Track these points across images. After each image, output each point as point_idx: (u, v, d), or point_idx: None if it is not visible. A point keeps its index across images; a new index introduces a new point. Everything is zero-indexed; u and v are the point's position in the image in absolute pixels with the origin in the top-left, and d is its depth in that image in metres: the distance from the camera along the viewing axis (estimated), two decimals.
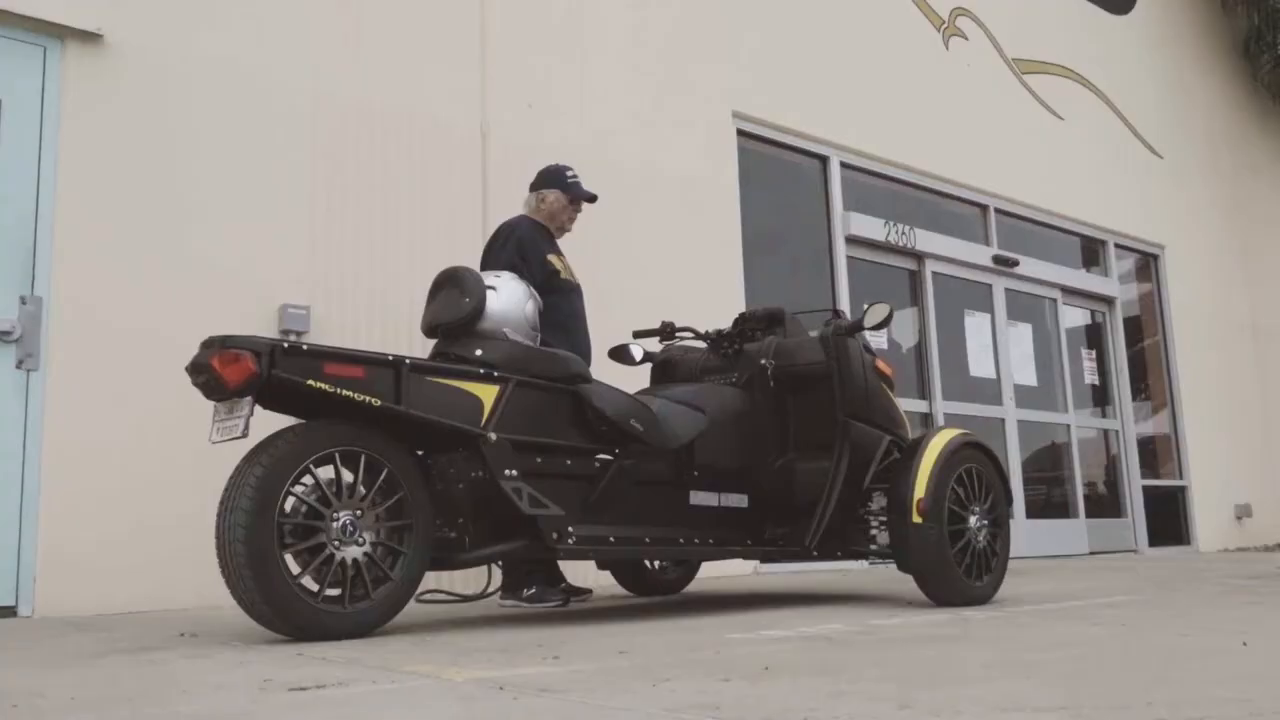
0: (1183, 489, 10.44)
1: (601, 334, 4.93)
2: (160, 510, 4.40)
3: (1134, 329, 10.56)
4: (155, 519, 4.39)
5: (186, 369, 3.11)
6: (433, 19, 5.64)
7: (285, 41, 5.08)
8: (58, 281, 4.34)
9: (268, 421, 3.29)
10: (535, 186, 4.79)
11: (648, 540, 3.87)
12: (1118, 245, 10.39)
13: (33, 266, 4.31)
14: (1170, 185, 11.02)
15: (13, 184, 4.32)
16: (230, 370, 2.99)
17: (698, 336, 4.68)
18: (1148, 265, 10.82)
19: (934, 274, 8.39)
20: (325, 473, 3.15)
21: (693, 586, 5.28)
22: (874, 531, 4.34)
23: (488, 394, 3.51)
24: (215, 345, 3.04)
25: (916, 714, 1.78)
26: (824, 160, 7.79)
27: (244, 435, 3.02)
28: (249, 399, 3.05)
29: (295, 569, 3.06)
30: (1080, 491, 9.28)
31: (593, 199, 4.81)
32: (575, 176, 4.78)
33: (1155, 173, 10.88)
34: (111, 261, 4.47)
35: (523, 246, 4.50)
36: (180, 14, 4.78)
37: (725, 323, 4.82)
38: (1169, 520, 10.24)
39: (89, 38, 4.51)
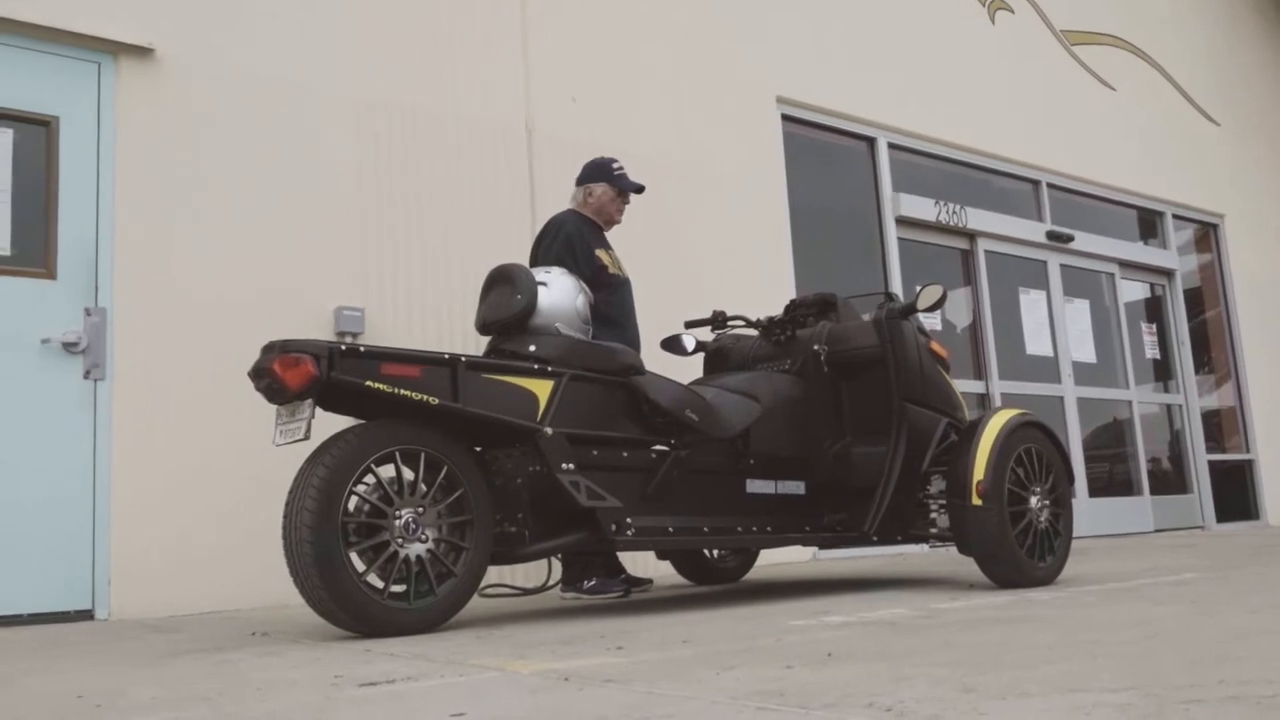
0: (1250, 462, 10.23)
1: (652, 325, 4.95)
2: (227, 513, 4.50)
3: (1195, 301, 10.35)
4: (223, 522, 4.49)
5: (249, 374, 3.18)
6: (474, 17, 5.68)
7: (330, 48, 5.14)
8: (120, 292, 4.44)
9: (329, 423, 3.34)
10: (581, 181, 4.78)
11: (706, 530, 3.88)
12: (1176, 216, 10.18)
13: (95, 278, 4.42)
14: (1229, 152, 10.77)
15: (72, 197, 4.43)
16: (291, 374, 3.04)
17: (749, 324, 4.67)
18: (1207, 235, 10.59)
19: (987, 253, 8.29)
20: (386, 471, 3.20)
21: (752, 574, 5.28)
22: (933, 515, 4.31)
23: (543, 389, 3.54)
24: (276, 349, 3.10)
25: (981, 697, 1.77)
26: (871, 142, 7.73)
27: (306, 437, 3.08)
28: (310, 401, 3.11)
29: (360, 567, 3.12)
30: (1144, 468, 9.13)
31: (640, 190, 4.80)
32: (621, 168, 4.77)
33: (1212, 140, 10.64)
34: (170, 270, 4.56)
35: (571, 242, 4.50)
36: (227, 26, 4.86)
37: (776, 309, 4.81)
38: (1236, 495, 10.04)
39: (141, 53, 4.61)
